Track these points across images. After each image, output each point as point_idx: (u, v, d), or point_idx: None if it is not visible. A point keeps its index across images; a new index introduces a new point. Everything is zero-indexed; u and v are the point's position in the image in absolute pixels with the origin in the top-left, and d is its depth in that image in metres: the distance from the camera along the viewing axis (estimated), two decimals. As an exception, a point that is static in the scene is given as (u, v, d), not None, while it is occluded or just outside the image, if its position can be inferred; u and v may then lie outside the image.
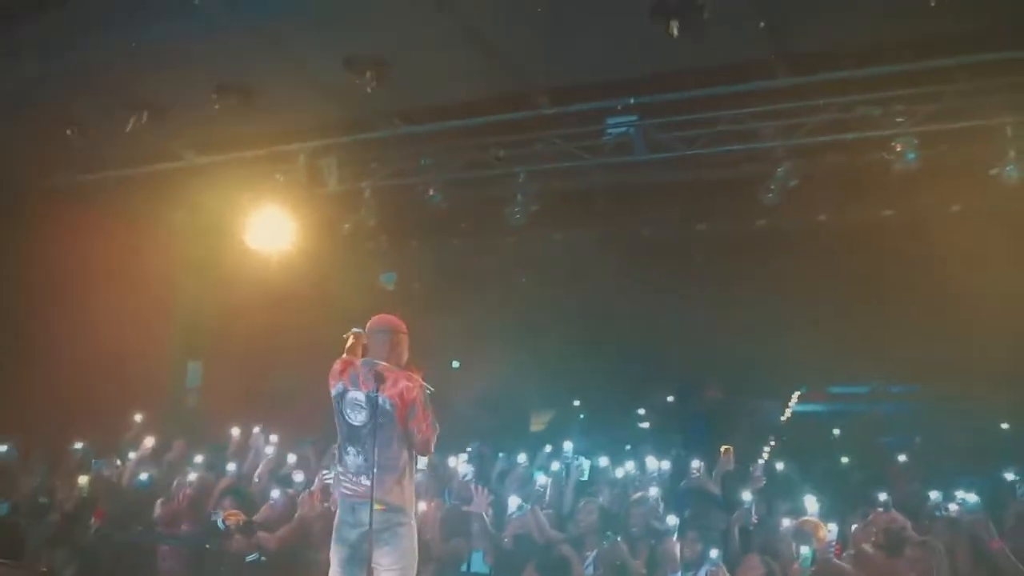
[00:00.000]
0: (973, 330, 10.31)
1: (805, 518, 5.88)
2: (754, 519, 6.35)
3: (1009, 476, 7.43)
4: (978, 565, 5.13)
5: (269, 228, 9.08)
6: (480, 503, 6.24)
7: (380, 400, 4.57)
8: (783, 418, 13.58)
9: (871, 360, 12.47)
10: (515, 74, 7.38)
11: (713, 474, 7.54)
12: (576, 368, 13.45)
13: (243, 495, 6.93)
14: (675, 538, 5.70)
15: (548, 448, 10.52)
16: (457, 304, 12.94)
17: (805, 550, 5.46)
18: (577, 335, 12.97)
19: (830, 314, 11.87)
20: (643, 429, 12.89)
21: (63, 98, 7.84)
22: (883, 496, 6.27)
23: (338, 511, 4.73)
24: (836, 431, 12.40)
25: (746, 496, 6.46)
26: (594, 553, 5.73)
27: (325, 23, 6.59)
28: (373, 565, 4.51)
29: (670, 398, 13.77)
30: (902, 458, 9.92)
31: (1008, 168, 6.69)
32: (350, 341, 5.06)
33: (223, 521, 6.36)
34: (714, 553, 5.33)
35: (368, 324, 4.90)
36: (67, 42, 6.96)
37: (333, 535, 4.68)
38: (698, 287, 12.42)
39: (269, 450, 7.76)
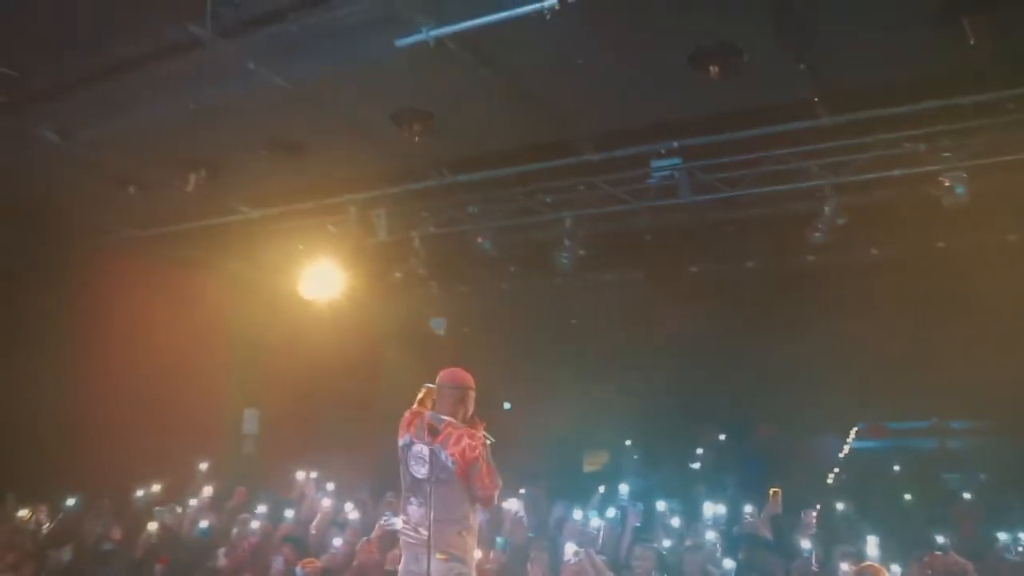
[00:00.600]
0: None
1: (866, 563, 5.77)
2: (814, 567, 6.25)
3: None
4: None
5: (322, 278, 9.33)
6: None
7: (443, 456, 4.67)
8: (840, 455, 13.30)
9: (931, 395, 12.19)
10: (558, 122, 7.51)
11: (762, 516, 7.44)
12: (628, 408, 13.39)
13: (301, 543, 7.04)
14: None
15: (601, 489, 10.51)
16: (508, 346, 13.04)
17: None
18: (628, 374, 12.93)
19: (887, 348, 11.67)
20: (696, 469, 12.73)
21: (123, 159, 8.18)
22: (941, 538, 6.11)
23: (403, 558, 4.83)
24: (896, 467, 12.09)
25: (804, 543, 6.37)
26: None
27: (371, 82, 6.80)
28: None
29: (722, 436, 13.61)
30: (967, 496, 9.64)
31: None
32: (422, 394, 5.13)
33: (302, 569, 6.45)
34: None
35: (438, 377, 4.99)
36: (126, 106, 7.28)
37: None
38: (750, 324, 12.33)
39: (326, 499, 7.87)
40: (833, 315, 11.49)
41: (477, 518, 4.83)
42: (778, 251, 10.55)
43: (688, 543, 6.52)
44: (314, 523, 7.55)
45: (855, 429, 13.97)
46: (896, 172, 7.16)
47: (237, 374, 12.03)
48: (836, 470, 12.72)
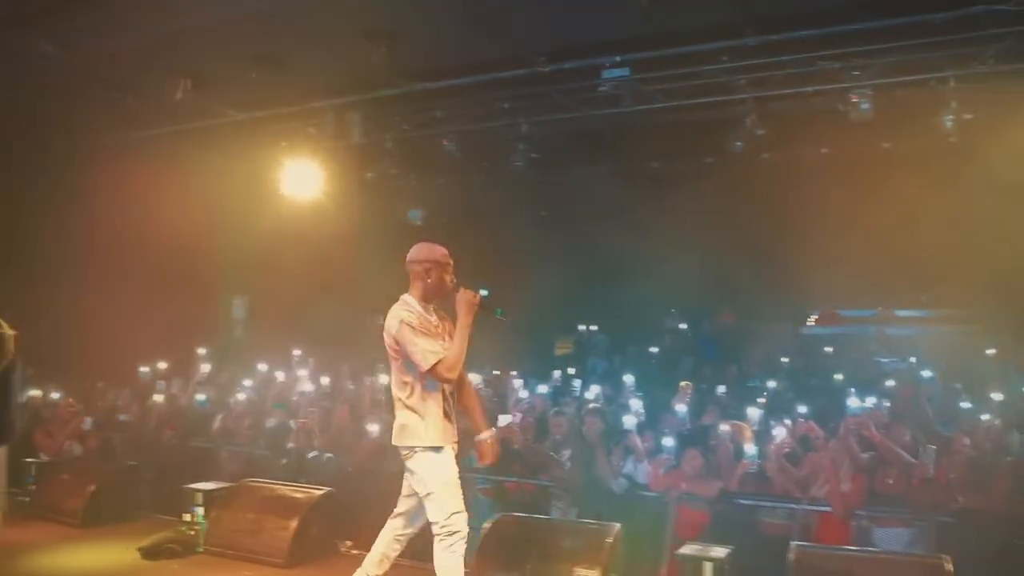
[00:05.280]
0: (982, 256, 11.41)
1: (736, 422, 7.47)
2: (688, 425, 7.98)
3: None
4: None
5: (303, 176, 10.64)
6: None
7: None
8: (793, 341, 14.86)
9: (879, 285, 13.71)
10: (515, 37, 8.71)
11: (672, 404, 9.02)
12: (597, 296, 14.90)
13: (287, 407, 8.69)
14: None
15: (571, 370, 12.20)
16: (484, 236, 14.43)
17: (752, 449, 7.05)
18: (596, 264, 14.38)
19: (842, 242, 13.09)
20: (655, 353, 14.25)
21: (118, 69, 9.39)
22: (804, 408, 7.82)
23: None
24: (830, 349, 13.75)
25: (680, 408, 8.07)
26: (569, 452, 7.34)
27: (344, 2, 8.00)
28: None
29: (683, 325, 15.13)
30: (890, 382, 11.23)
31: (947, 118, 7.90)
32: None
33: (295, 422, 8.11)
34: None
35: None
36: (120, 22, 8.47)
37: None
38: (710, 217, 13.69)
39: (302, 370, 9.48)
40: (788, 209, 12.88)
41: (423, 393, 4.68)
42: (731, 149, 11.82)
43: (591, 406, 8.14)
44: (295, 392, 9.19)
45: (812, 317, 15.55)
46: (810, 88, 8.44)
47: (227, 265, 13.50)
48: (788, 355, 14.27)
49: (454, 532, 4.53)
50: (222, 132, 10.87)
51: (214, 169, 12.20)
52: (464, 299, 4.70)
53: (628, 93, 9.02)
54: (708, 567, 4.81)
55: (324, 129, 10.27)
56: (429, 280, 4.78)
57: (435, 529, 4.58)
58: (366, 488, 7.07)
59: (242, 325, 14.65)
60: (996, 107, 8.33)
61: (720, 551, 4.95)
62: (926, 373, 9.86)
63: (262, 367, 10.95)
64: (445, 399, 4.73)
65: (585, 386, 10.89)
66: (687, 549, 5.03)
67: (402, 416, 4.69)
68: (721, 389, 9.89)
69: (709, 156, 12.60)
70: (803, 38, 8.08)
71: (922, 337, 13.59)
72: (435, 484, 4.59)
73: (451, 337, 4.72)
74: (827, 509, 6.44)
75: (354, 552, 6.20)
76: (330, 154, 10.57)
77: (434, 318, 4.80)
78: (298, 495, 6.33)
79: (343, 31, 8.49)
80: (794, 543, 5.11)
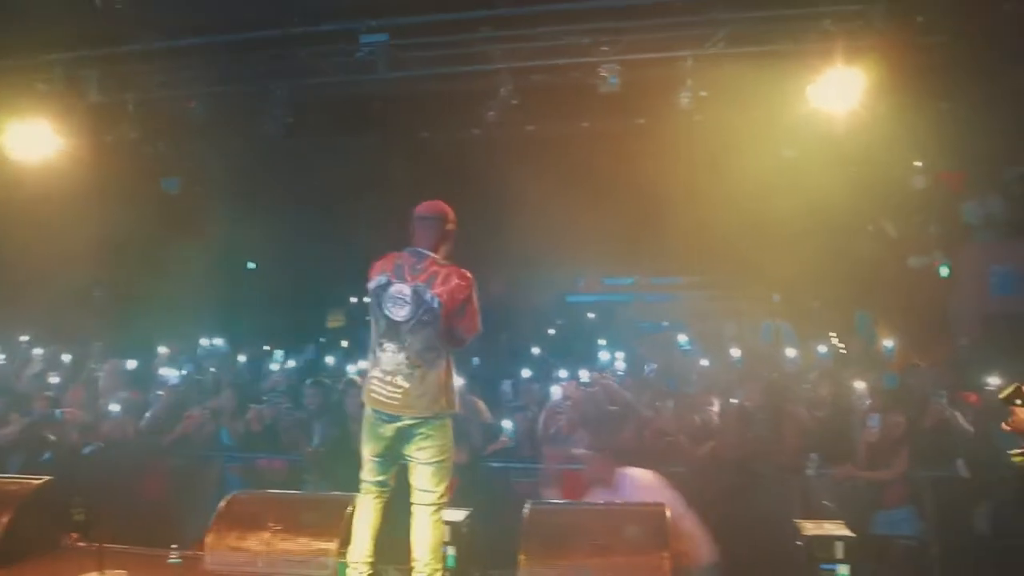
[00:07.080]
0: (720, 229, 12.30)
1: (473, 398, 7.78)
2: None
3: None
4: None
5: (33, 137, 9.67)
6: None
7: (428, 296, 4.48)
8: (560, 308, 15.51)
9: (639, 255, 14.54)
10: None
11: None
12: (365, 267, 14.68)
13: (11, 392, 7.96)
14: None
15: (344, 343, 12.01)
16: (248, 206, 13.85)
17: (508, 424, 7.28)
18: (364, 236, 14.20)
19: (604, 213, 13.70)
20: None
21: None
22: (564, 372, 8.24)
23: (369, 411, 4.70)
24: (592, 315, 14.52)
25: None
26: (322, 422, 7.25)
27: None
28: (410, 458, 4.64)
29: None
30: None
31: (684, 95, 8.40)
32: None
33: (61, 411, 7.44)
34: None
35: (416, 209, 4.80)
36: None
37: (365, 431, 4.72)
38: (480, 188, 13.86)
39: (37, 351, 8.75)
40: (554, 182, 13.31)
41: (449, 358, 4.65)
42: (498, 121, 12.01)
43: (349, 378, 8.14)
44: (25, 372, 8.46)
45: (578, 285, 16.27)
46: (561, 61, 8.70)
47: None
48: (555, 322, 14.86)
49: (445, 504, 4.68)
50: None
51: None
52: None
53: (383, 59, 8.87)
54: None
55: (55, 86, 9.38)
56: (453, 241, 4.79)
57: (426, 498, 4.60)
58: (103, 474, 6.63)
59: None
60: (728, 87, 8.91)
61: (458, 513, 5.04)
62: (681, 338, 10.47)
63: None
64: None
65: (352, 359, 10.81)
66: (423, 514, 5.04)
67: (429, 381, 4.54)
68: (475, 361, 10.12)
69: (476, 127, 12.75)
70: (555, 11, 8.32)
71: (673, 303, 14.60)
72: (446, 453, 4.66)
73: None
74: (575, 467, 6.70)
75: (81, 545, 5.75)
76: (64, 114, 9.68)
77: None
78: (11, 487, 5.78)
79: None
80: (529, 501, 5.28)
